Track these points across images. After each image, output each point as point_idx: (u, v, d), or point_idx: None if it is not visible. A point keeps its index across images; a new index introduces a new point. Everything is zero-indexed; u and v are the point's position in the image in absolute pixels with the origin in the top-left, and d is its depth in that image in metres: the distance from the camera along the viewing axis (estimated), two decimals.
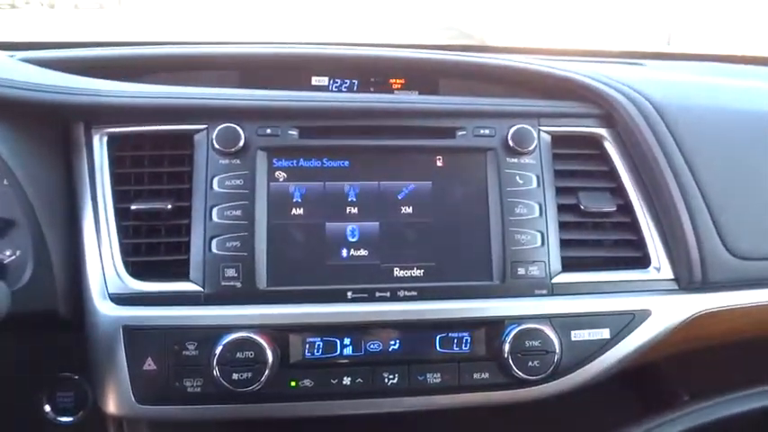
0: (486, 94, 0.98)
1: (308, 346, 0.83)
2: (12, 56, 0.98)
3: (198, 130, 0.88)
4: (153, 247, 0.86)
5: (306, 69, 1.05)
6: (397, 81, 1.06)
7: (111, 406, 0.82)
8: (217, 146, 0.86)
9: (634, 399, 1.12)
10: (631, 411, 0.97)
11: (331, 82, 1.06)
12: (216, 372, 0.79)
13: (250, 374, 0.79)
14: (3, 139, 0.82)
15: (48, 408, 0.89)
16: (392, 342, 0.84)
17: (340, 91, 1.06)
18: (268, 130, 0.88)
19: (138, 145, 0.89)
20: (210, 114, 0.88)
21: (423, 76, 1.06)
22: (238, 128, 0.86)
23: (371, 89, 1.06)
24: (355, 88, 1.07)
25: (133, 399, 0.80)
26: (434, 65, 1.03)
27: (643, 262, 0.92)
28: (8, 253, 0.93)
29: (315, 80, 1.06)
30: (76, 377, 0.91)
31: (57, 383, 0.88)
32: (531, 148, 0.91)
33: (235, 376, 0.79)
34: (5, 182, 0.90)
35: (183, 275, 0.84)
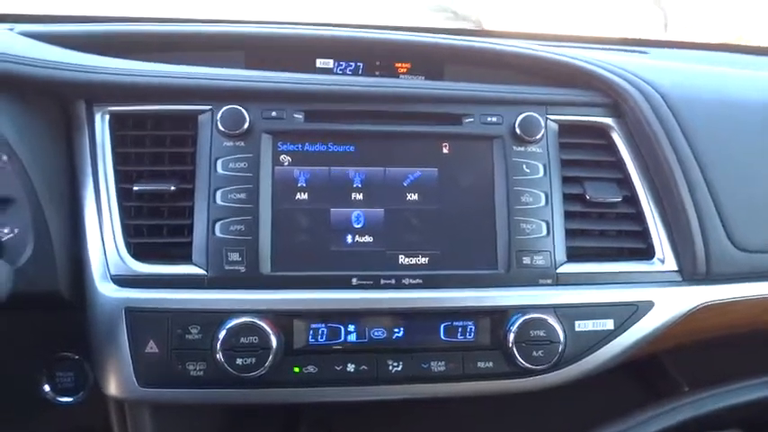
0: (491, 80, 0.97)
1: (311, 332, 0.82)
2: (11, 29, 0.96)
3: (202, 111, 0.87)
4: (155, 228, 0.85)
5: (310, 51, 1.03)
6: (403, 65, 1.05)
7: (113, 388, 0.81)
8: (221, 127, 0.85)
9: (634, 389, 1.12)
10: (631, 402, 0.97)
11: (336, 64, 1.04)
12: (219, 356, 0.78)
13: (254, 360, 0.78)
14: (3, 114, 0.80)
15: (47, 388, 0.88)
16: (396, 330, 0.84)
17: (344, 74, 1.05)
18: (273, 113, 0.87)
19: (140, 124, 0.88)
20: (215, 95, 0.86)
21: (429, 60, 1.04)
22: (243, 110, 0.85)
23: (377, 72, 1.04)
24: (360, 71, 1.05)
25: (135, 381, 0.80)
26: (441, 49, 1.01)
27: (647, 253, 0.91)
28: (6, 230, 0.91)
29: (320, 62, 1.04)
30: (76, 357, 0.90)
31: (56, 363, 0.87)
32: (538, 137, 0.90)
33: (238, 361, 0.78)
34: (5, 157, 0.89)
35: (186, 258, 0.83)
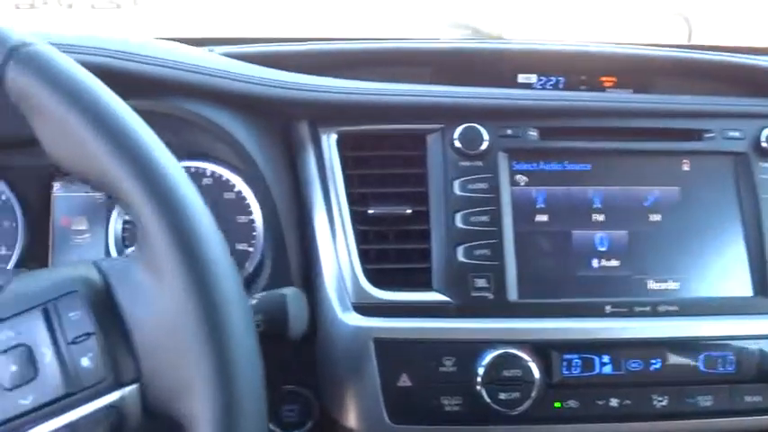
0: (697, 92, 0.92)
1: (565, 363, 0.77)
2: (210, 50, 0.94)
3: (432, 130, 0.83)
4: (387, 253, 0.81)
5: (513, 66, 0.99)
6: (609, 79, 0.99)
7: (357, 422, 0.77)
8: (459, 146, 0.81)
9: None
10: None
11: (538, 79, 1.00)
12: (482, 390, 0.73)
13: (518, 394, 0.73)
14: (250, 136, 0.78)
15: (271, 425, 0.84)
16: (653, 361, 0.78)
17: (545, 88, 1.00)
18: (509, 131, 0.83)
19: (367, 144, 0.84)
20: (450, 114, 0.83)
21: (637, 73, 0.99)
22: (482, 128, 0.81)
23: (581, 87, 0.99)
24: (561, 86, 1.00)
25: (386, 417, 0.75)
26: (653, 62, 0.97)
27: None
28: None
29: (521, 77, 0.99)
30: (295, 388, 0.85)
31: (282, 397, 0.83)
32: None
33: (502, 396, 0.73)
34: (243, 179, 0.86)
35: (425, 284, 0.79)
